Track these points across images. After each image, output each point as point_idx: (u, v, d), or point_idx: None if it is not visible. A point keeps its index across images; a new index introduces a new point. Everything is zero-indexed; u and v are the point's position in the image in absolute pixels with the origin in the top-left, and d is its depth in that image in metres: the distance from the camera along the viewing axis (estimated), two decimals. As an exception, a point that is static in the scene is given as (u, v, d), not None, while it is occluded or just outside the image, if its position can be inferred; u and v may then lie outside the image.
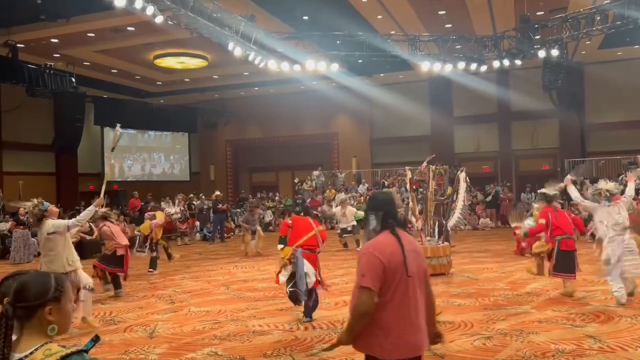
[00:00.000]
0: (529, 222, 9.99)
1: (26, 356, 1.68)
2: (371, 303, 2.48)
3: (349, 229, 13.96)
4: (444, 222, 10.41)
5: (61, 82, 18.16)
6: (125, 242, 8.67)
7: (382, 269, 2.50)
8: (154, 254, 10.97)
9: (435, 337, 2.81)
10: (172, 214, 15.65)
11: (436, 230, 10.24)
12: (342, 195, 18.83)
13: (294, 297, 6.51)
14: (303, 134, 25.56)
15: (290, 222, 6.96)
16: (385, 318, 2.50)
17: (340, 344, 2.67)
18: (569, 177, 7.89)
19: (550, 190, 7.76)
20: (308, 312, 6.44)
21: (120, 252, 8.52)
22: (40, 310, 1.73)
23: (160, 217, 11.48)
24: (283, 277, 6.50)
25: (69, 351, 1.68)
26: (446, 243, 9.99)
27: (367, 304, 2.49)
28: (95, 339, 1.82)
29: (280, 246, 6.86)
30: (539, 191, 8.33)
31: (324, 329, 6.10)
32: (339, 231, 14.41)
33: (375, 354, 2.57)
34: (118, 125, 7.32)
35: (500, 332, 5.68)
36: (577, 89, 21.15)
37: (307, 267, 6.33)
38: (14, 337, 1.69)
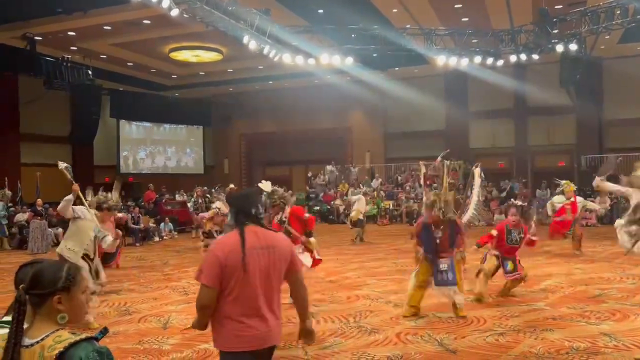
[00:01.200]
0: (557, 199, 9.94)
1: (37, 342, 1.71)
2: (208, 298, 2.60)
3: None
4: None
5: (78, 74, 18.35)
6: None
7: (219, 265, 2.58)
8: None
9: (306, 334, 2.90)
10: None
11: None
12: (358, 191, 18.99)
13: None
14: (317, 128, 25.53)
15: (310, 216, 7.35)
16: (224, 311, 2.61)
17: (194, 328, 2.80)
18: (598, 179, 7.68)
19: None
20: None
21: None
22: (50, 299, 1.76)
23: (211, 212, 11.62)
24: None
25: (78, 338, 1.70)
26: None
27: (205, 299, 2.61)
28: (104, 331, 1.85)
29: (311, 239, 7.06)
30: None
31: (336, 322, 6.11)
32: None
33: (214, 344, 2.71)
34: (60, 162, 7.22)
35: (513, 328, 5.63)
36: (596, 84, 20.85)
37: (306, 259, 6.58)
38: (27, 324, 1.73)
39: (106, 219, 6.71)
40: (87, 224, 6.25)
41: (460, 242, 6.32)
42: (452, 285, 6.15)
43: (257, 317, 2.63)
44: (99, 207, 6.43)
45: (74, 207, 6.30)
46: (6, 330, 1.74)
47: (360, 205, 14.08)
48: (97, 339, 1.74)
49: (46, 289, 1.76)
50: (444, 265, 6.14)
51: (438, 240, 6.15)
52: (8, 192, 16.07)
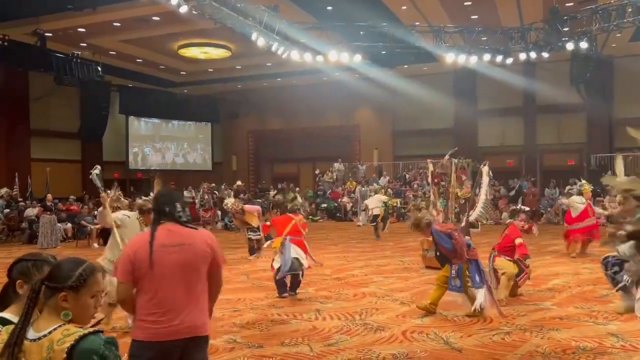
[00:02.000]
0: (579, 200, 9.69)
1: (44, 335, 1.73)
2: (122, 292, 2.78)
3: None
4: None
5: (87, 71, 18.45)
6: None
7: (130, 262, 2.74)
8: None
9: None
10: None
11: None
12: (365, 188, 19.28)
13: (279, 285, 7.32)
14: (325, 126, 25.52)
15: (269, 223, 8.31)
16: (138, 303, 2.76)
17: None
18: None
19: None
20: (294, 288, 7.37)
21: None
22: (58, 294, 1.78)
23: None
24: (276, 264, 7.26)
25: (87, 331, 1.73)
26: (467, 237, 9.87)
27: (120, 294, 2.80)
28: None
29: (267, 242, 8.05)
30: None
31: (342, 319, 6.12)
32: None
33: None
34: (94, 169, 7.03)
35: (519, 327, 5.61)
36: (606, 82, 20.66)
37: (297, 252, 7.11)
38: (36, 316, 1.76)
39: (149, 220, 6.53)
40: (127, 232, 5.90)
41: (459, 246, 6.12)
42: (459, 292, 6.17)
43: (171, 311, 2.72)
44: (141, 211, 6.00)
45: (114, 215, 6.03)
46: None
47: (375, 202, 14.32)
48: (102, 331, 1.77)
49: (57, 284, 1.79)
50: (453, 271, 6.19)
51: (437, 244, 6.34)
52: (8, 191, 16.21)
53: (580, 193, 11.04)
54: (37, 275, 1.90)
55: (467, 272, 6.14)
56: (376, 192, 16.58)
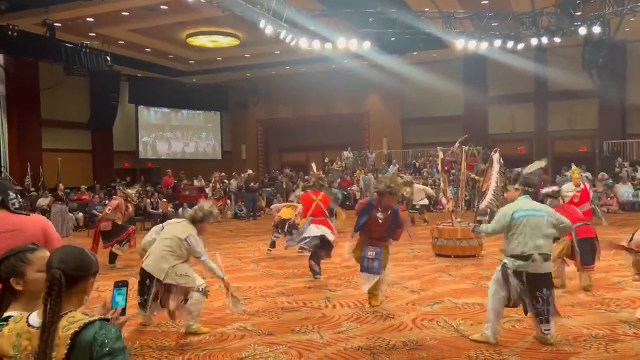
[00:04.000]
0: (567, 188, 9.24)
1: None
2: None
3: (417, 206, 14.39)
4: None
5: (97, 60, 18.47)
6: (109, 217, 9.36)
7: None
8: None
9: None
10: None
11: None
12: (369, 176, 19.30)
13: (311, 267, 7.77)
14: (334, 114, 25.43)
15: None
16: None
17: None
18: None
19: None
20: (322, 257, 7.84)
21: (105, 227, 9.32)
22: (84, 281, 1.89)
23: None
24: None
25: (92, 318, 1.75)
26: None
27: None
28: (124, 283, 1.97)
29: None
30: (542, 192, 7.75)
31: (352, 307, 6.14)
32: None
33: None
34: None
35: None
36: (619, 67, 20.34)
37: (321, 230, 7.65)
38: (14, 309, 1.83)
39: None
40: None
41: (397, 236, 6.17)
42: (376, 275, 5.98)
43: None
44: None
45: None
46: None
47: (416, 190, 14.44)
48: (108, 320, 1.79)
49: (83, 271, 1.85)
50: (371, 252, 6.00)
51: (380, 221, 5.95)
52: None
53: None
54: (25, 266, 1.93)
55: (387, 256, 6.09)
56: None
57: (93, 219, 15.06)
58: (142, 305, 5.12)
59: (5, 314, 1.90)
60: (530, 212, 4.75)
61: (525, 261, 4.61)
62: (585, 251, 6.62)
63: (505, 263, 4.73)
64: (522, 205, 4.86)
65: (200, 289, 5.20)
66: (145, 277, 5.11)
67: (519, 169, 7.61)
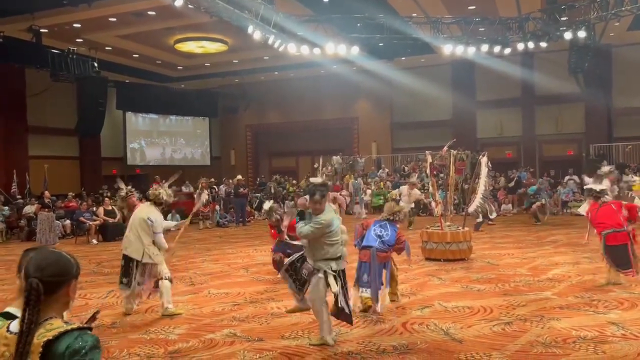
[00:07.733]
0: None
1: None
2: None
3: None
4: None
5: (84, 66, 18.36)
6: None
7: None
8: None
9: None
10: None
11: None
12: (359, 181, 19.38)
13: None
14: (323, 119, 25.47)
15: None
16: None
17: None
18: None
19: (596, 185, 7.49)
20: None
21: None
22: (66, 285, 1.83)
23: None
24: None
25: (70, 327, 1.70)
26: (467, 229, 9.87)
27: None
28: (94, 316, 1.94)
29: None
30: (585, 187, 7.95)
31: (342, 312, 6.10)
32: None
33: None
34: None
35: (520, 317, 5.61)
36: (605, 72, 20.61)
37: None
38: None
39: None
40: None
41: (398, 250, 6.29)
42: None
43: None
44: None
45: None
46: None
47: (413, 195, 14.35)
48: (90, 329, 1.74)
49: (61, 277, 1.79)
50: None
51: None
52: None
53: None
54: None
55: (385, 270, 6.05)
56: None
57: (81, 226, 14.93)
58: (127, 285, 6.08)
59: (6, 309, 1.87)
60: None
61: None
62: (615, 257, 6.86)
63: None
64: None
65: (166, 277, 6.15)
66: (128, 261, 6.13)
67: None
